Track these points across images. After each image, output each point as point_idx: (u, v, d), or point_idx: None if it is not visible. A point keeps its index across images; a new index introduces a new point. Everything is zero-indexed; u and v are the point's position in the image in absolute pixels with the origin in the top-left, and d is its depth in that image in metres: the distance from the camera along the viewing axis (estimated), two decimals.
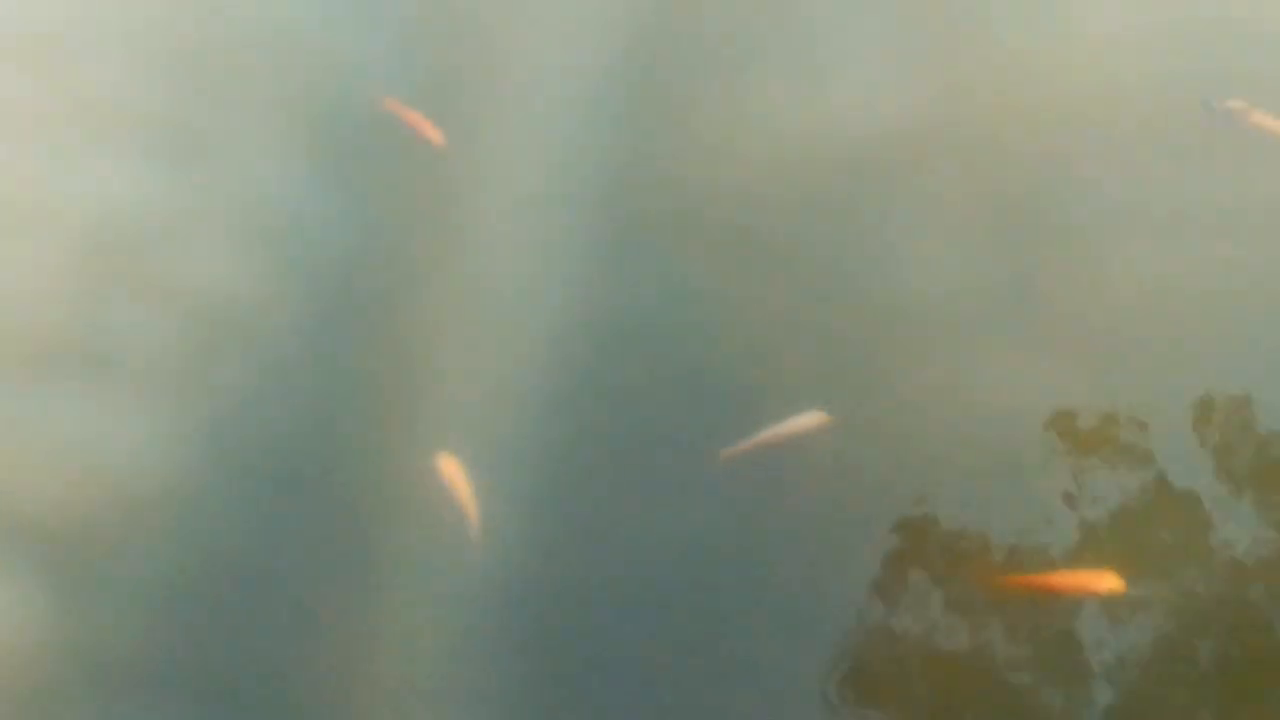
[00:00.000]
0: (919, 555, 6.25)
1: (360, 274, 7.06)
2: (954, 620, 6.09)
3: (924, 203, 7.19)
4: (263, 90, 7.74)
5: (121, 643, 6.01)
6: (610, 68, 7.75)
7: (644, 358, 6.81)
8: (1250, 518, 6.30)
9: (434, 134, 7.23)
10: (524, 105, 7.65)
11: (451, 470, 6.47)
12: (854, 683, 5.95)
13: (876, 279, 6.98)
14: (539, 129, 7.55)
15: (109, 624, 6.04)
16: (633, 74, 7.74)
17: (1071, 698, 5.91)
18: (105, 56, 7.88)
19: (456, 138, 7.51)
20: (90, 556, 6.19)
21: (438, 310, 6.93)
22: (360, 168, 7.41)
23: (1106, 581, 5.99)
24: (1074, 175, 7.25)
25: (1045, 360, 6.68)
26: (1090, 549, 6.21)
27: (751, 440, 6.46)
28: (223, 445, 6.50)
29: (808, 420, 6.50)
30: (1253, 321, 6.76)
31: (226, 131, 7.57)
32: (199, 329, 6.86)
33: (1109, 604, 6.01)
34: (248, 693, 5.96)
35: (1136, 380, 6.63)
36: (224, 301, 6.94)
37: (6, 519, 6.25)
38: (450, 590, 6.17)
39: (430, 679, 5.99)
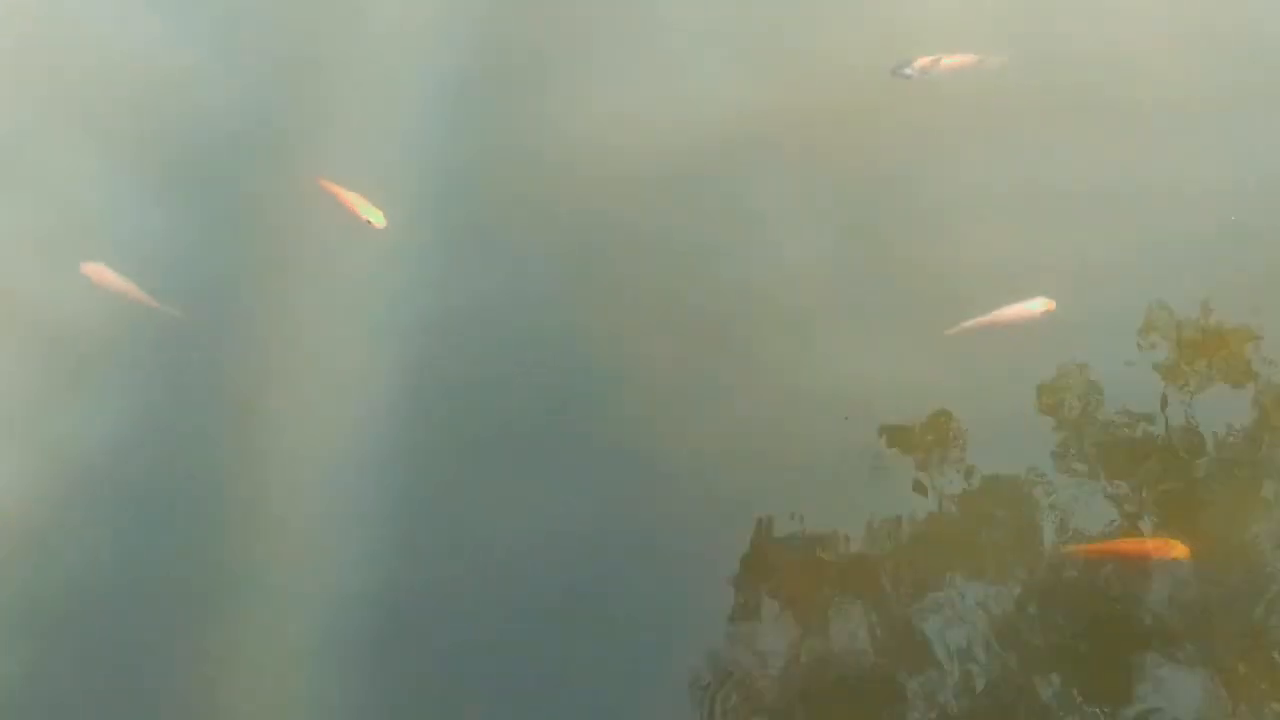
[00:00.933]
0: (773, 540, 6.28)
1: (207, 297, 7.00)
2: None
3: (776, 186, 7.17)
4: (112, 120, 7.62)
5: None
6: (461, 62, 7.69)
7: (499, 346, 6.80)
8: (1098, 496, 6.36)
9: (373, 214, 6.97)
10: (372, 97, 7.60)
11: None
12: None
13: (730, 262, 6.98)
14: (388, 123, 7.51)
15: None
16: (484, 68, 7.69)
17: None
18: None
19: (303, 132, 7.48)
20: None
21: (287, 313, 6.90)
22: (207, 192, 7.34)
23: (1173, 549, 6.07)
24: (924, 154, 7.23)
25: (897, 337, 6.71)
26: (941, 525, 6.30)
27: (976, 321, 6.60)
28: (71, 474, 6.49)
29: (1032, 307, 6.65)
30: (1101, 296, 6.77)
31: (77, 161, 7.45)
32: (46, 361, 6.82)
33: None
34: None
35: (987, 358, 6.63)
36: (71, 333, 6.90)
37: None
38: (298, 595, 6.23)
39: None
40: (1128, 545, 6.17)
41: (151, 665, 6.09)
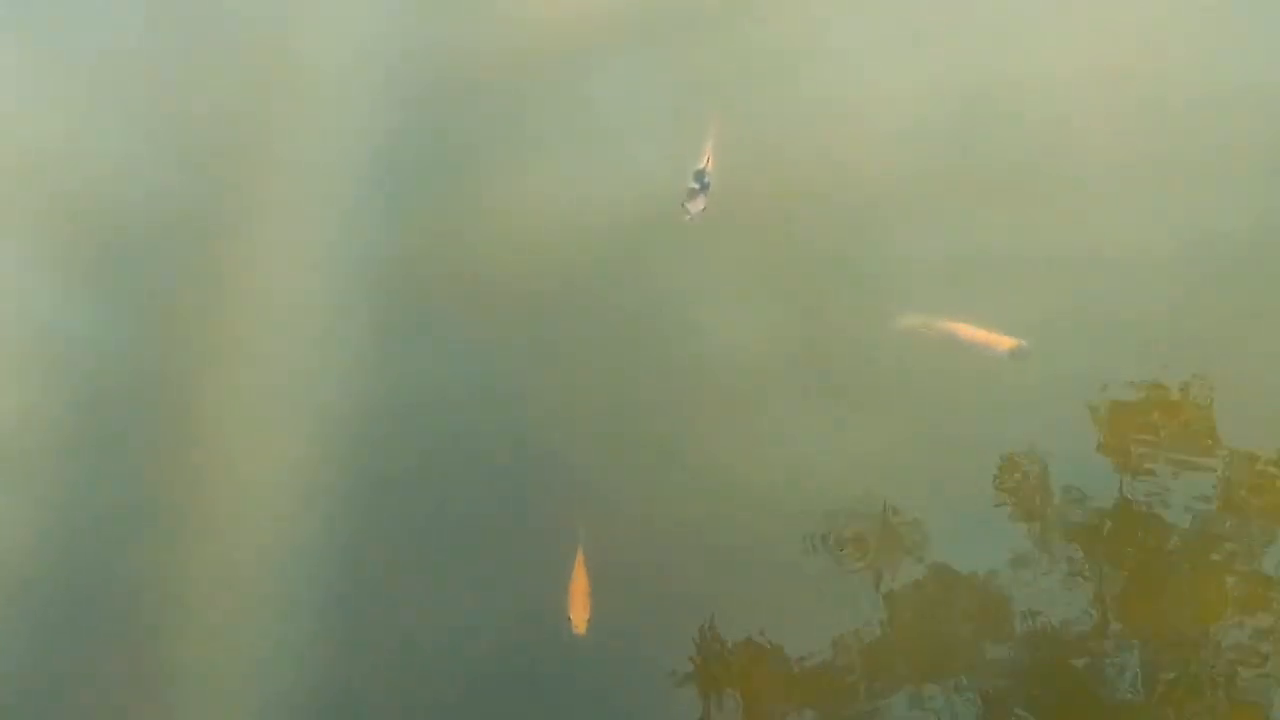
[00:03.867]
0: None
1: (141, 390, 6.90)
2: None
3: (711, 261, 7.10)
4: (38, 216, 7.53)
5: None
6: (396, 143, 7.63)
7: (440, 433, 6.70)
8: (1048, 567, 6.28)
9: (580, 619, 6.34)
10: (309, 181, 7.52)
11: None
12: None
13: (669, 338, 6.91)
14: (324, 206, 7.44)
15: None
16: (420, 153, 7.60)
17: None
18: None
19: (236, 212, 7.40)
20: None
21: (227, 398, 6.83)
22: (139, 282, 7.24)
23: None
24: (861, 227, 7.19)
25: (841, 414, 6.62)
26: (900, 615, 6.20)
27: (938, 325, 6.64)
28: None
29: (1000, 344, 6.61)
30: (1035, 369, 6.70)
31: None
32: None
33: None
34: None
35: (932, 435, 6.58)
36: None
37: None
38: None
39: None
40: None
41: None
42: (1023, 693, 6.03)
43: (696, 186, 6.89)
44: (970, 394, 6.68)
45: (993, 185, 7.27)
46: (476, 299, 7.09)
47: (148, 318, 7.13)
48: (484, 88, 7.82)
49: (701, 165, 6.84)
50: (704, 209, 6.83)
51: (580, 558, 6.28)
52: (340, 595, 6.31)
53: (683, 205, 6.82)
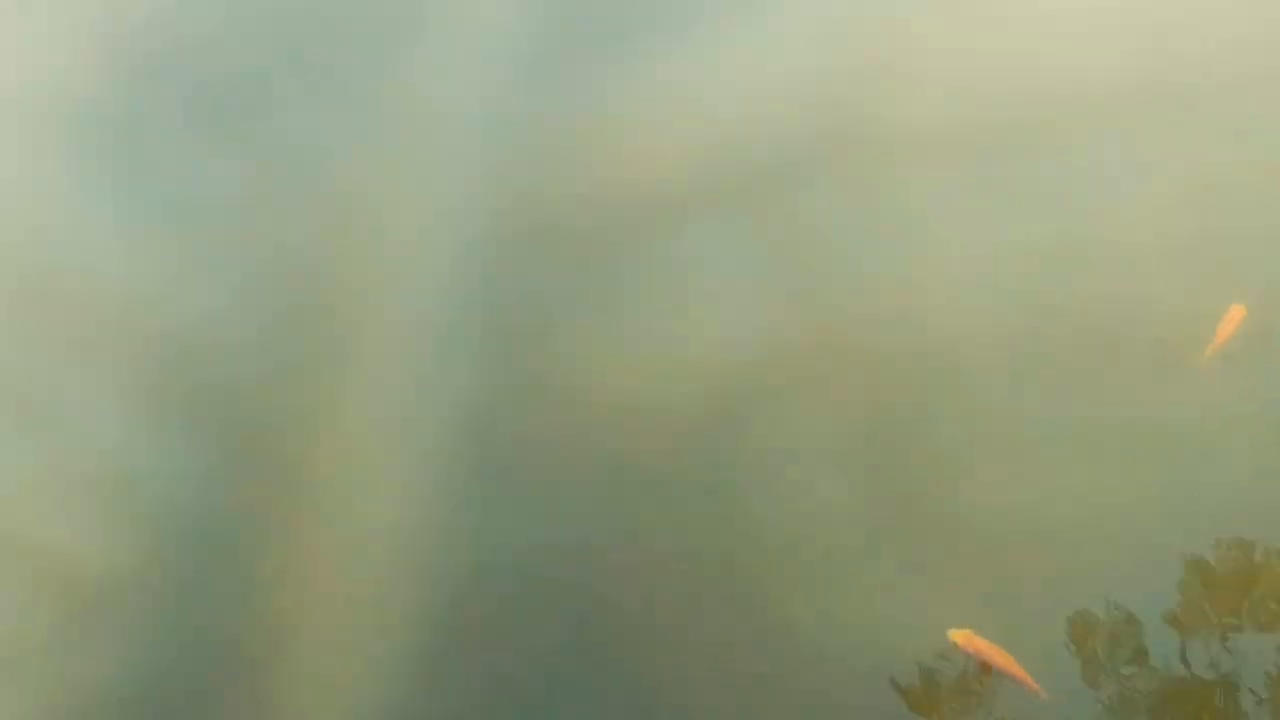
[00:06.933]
0: None
1: (220, 539, 6.98)
2: None
3: (796, 428, 7.10)
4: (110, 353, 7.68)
5: None
6: (482, 299, 7.73)
7: (520, 590, 6.71)
8: None
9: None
10: (394, 333, 7.60)
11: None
12: None
13: (753, 505, 6.88)
14: (409, 360, 7.50)
15: None
16: (504, 308, 7.70)
17: None
18: None
19: (321, 363, 7.49)
20: None
21: (306, 547, 6.88)
22: (211, 425, 7.36)
23: None
24: (943, 399, 7.15)
25: (922, 588, 6.56)
26: None
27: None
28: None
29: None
30: (1121, 543, 6.63)
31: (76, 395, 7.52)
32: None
33: None
34: None
35: (1011, 606, 6.49)
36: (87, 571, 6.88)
37: None
38: None
39: None
40: None
41: None
42: None
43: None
44: (1054, 564, 6.59)
45: (1074, 348, 7.23)
46: (559, 457, 7.11)
47: (231, 465, 7.19)
48: (573, 245, 7.89)
49: None
50: None
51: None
52: None
53: None
